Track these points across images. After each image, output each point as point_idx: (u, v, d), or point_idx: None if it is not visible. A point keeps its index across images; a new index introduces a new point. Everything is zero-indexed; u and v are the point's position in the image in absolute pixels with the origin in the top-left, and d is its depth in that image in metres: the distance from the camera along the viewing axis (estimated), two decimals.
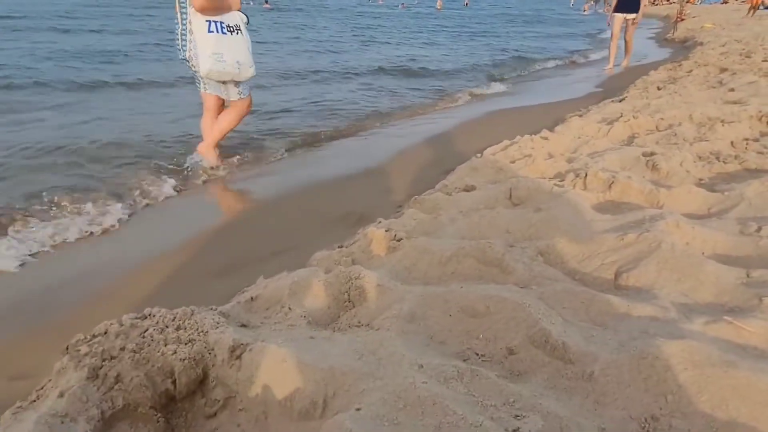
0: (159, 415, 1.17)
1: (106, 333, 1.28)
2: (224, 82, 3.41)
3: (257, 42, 9.13)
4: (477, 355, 1.21)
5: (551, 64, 10.20)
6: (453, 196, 2.35)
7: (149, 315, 1.33)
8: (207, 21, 3.15)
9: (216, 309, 1.43)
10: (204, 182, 3.52)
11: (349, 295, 1.48)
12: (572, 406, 1.00)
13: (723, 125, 3.14)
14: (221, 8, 3.17)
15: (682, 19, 15.80)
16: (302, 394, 1.06)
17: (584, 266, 1.60)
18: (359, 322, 1.37)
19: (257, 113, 5.21)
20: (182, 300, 1.49)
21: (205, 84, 3.41)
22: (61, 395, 1.12)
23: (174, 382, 1.19)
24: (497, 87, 7.61)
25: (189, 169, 3.63)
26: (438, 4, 26.46)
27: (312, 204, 3.19)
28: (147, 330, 1.27)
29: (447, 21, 20.45)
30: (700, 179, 2.38)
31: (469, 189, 2.45)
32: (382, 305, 1.39)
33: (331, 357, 1.12)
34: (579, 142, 3.12)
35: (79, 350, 1.23)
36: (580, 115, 4.26)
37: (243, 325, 1.40)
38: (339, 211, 2.95)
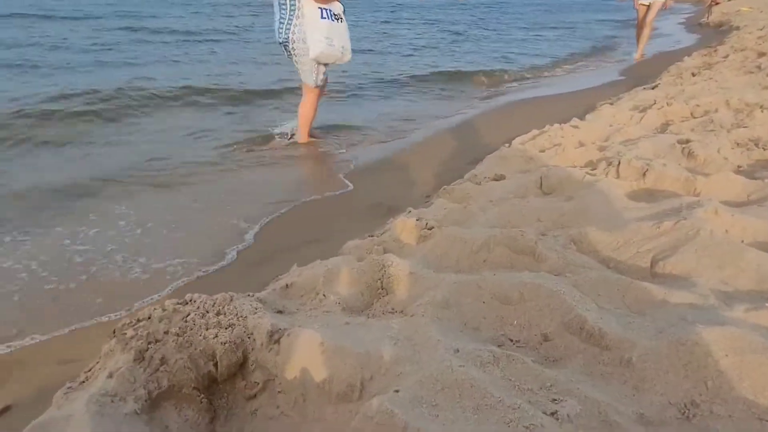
0: (202, 396, 1.21)
1: (149, 317, 1.33)
2: (321, 64, 3.71)
3: None
4: (511, 341, 1.21)
5: (573, 53, 9.96)
6: (482, 186, 2.35)
7: (190, 300, 1.37)
8: (319, 8, 3.50)
9: (253, 295, 1.47)
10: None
11: (381, 283, 1.50)
12: (610, 391, 1.00)
13: (762, 111, 3.04)
14: None
15: (717, 3, 15.25)
16: (340, 377, 1.09)
17: (619, 254, 1.58)
18: (393, 309, 1.39)
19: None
20: (218, 288, 1.54)
21: (298, 66, 3.71)
22: (110, 376, 1.18)
23: (216, 365, 1.23)
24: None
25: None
26: None
27: (340, 196, 3.22)
28: (189, 315, 1.31)
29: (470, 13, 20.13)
30: (739, 166, 2.32)
31: (498, 178, 2.44)
32: (414, 293, 1.40)
33: (366, 342, 1.14)
34: (611, 130, 3.07)
35: (126, 333, 1.28)
36: (611, 103, 4.18)
37: (279, 311, 1.43)
38: (367, 203, 2.97)
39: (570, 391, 0.96)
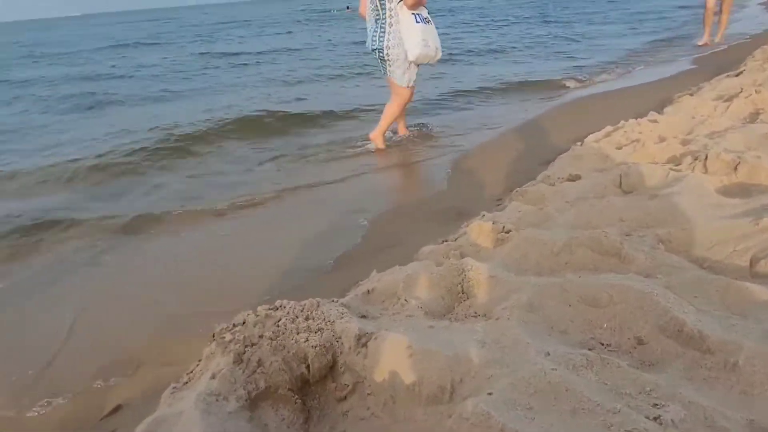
0: (296, 397, 1.27)
1: (244, 322, 1.41)
2: (414, 66, 4.08)
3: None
4: (602, 345, 1.18)
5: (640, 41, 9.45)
6: (557, 187, 2.30)
7: (280, 306, 1.44)
8: (413, 14, 3.88)
9: (337, 301, 1.52)
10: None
11: (462, 287, 1.51)
12: (715, 396, 0.96)
13: None
14: (422, 3, 3.93)
15: None
16: (429, 379, 1.11)
17: (713, 254, 1.50)
18: (475, 313, 1.39)
19: None
20: (300, 295, 1.60)
21: (391, 71, 4.05)
22: (213, 377, 1.26)
23: (307, 367, 1.29)
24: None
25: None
26: None
27: (409, 201, 3.26)
28: (280, 320, 1.38)
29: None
30: None
31: (573, 178, 2.38)
32: (497, 296, 1.40)
33: (454, 345, 1.15)
34: (694, 122, 2.90)
35: (224, 337, 1.37)
36: (692, 94, 3.95)
37: (363, 316, 1.48)
38: (437, 207, 2.98)
39: (672, 395, 0.93)
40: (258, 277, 2.35)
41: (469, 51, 10.14)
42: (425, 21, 3.95)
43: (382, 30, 3.95)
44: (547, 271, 1.55)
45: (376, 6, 3.93)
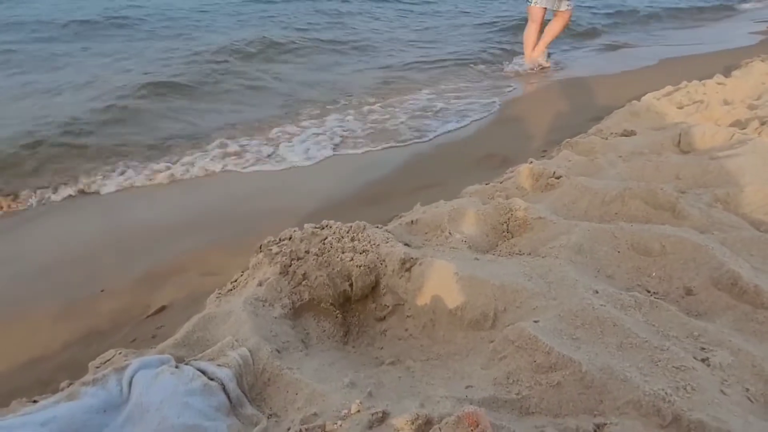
0: (337, 312, 1.32)
1: (291, 238, 1.45)
2: None
3: None
4: (649, 292, 1.17)
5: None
6: (610, 141, 2.22)
7: (327, 225, 1.47)
8: None
9: (382, 227, 1.54)
10: None
11: (507, 226, 1.50)
12: (765, 348, 0.95)
13: None
14: None
15: None
16: (473, 305, 1.13)
17: None
18: (520, 251, 1.39)
19: None
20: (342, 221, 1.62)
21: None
22: (260, 284, 1.31)
23: (351, 285, 1.32)
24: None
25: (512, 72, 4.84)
26: None
27: (451, 145, 3.21)
28: (326, 238, 1.41)
29: None
30: None
31: (628, 134, 2.30)
32: (544, 237, 1.39)
33: (500, 275, 1.16)
34: (763, 88, 2.73)
35: (271, 249, 1.41)
36: (762, 60, 3.70)
37: (406, 244, 1.49)
38: (480, 153, 2.94)
39: (721, 342, 0.93)
40: (295, 206, 2.39)
41: None
42: None
43: None
44: (596, 219, 1.53)
45: None
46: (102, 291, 1.85)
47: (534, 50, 4.88)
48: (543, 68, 4.84)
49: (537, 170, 1.76)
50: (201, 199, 2.57)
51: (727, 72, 3.63)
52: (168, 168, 2.80)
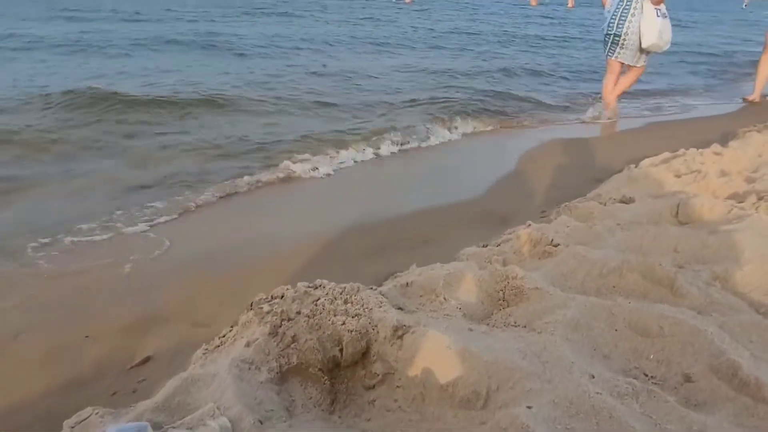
0: (325, 377, 1.27)
1: (283, 296, 1.42)
2: (643, 53, 4.90)
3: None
4: (646, 375, 1.14)
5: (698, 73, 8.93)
6: (609, 207, 2.23)
7: (320, 285, 1.44)
8: (655, 9, 4.66)
9: (376, 289, 1.51)
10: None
11: (504, 294, 1.48)
12: None
13: None
14: (663, 0, 4.70)
15: None
16: (465, 382, 1.09)
17: None
18: (515, 323, 1.36)
19: None
20: (337, 275, 1.60)
21: (621, 53, 4.92)
22: (248, 345, 1.27)
23: (341, 350, 1.29)
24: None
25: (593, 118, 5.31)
26: (570, 3, 24.15)
27: (452, 198, 3.22)
28: (319, 299, 1.38)
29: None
30: None
31: (626, 201, 2.31)
32: (540, 309, 1.37)
33: (494, 350, 1.13)
34: (760, 161, 2.77)
35: (262, 308, 1.38)
36: (759, 131, 3.77)
37: (399, 308, 1.46)
38: (479, 208, 2.94)
39: None
40: (295, 254, 2.37)
41: None
42: (663, 16, 4.67)
43: (623, 18, 4.75)
44: (593, 291, 1.51)
45: None
46: (87, 337, 1.81)
47: (610, 100, 5.32)
48: (609, 118, 5.30)
49: (535, 236, 1.75)
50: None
51: (726, 138, 3.71)
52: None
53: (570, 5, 22.94)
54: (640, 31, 4.70)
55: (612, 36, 4.89)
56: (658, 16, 4.66)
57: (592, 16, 16.81)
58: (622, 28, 4.77)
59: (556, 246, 1.70)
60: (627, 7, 4.72)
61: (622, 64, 5.06)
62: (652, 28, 4.65)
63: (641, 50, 4.85)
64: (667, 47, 4.86)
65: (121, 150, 3.75)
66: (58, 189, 3.04)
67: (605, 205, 2.28)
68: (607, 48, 5.03)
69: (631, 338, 1.22)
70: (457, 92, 5.94)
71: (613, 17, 4.84)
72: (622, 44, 4.84)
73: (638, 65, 5.01)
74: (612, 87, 5.25)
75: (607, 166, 3.63)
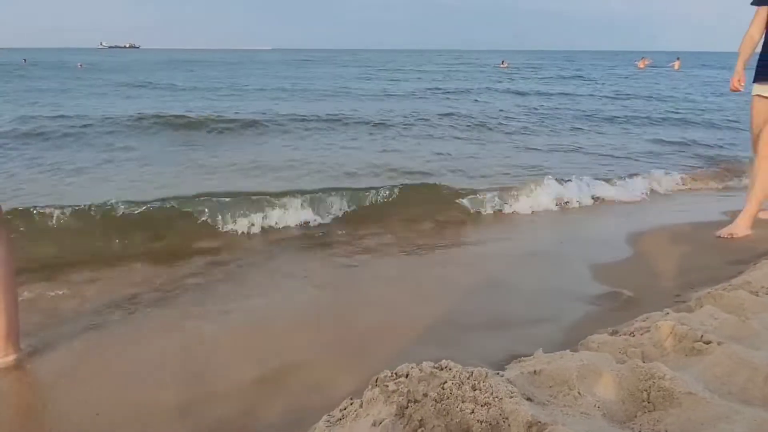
0: None
1: (408, 375, 1.40)
2: None
3: None
4: None
5: None
6: (763, 298, 1.98)
7: (446, 367, 1.41)
8: None
9: (503, 375, 1.44)
10: None
11: (648, 395, 1.34)
12: None
13: None
14: None
15: None
16: None
17: None
18: (666, 431, 1.22)
19: None
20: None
21: None
22: (375, 425, 1.26)
23: None
24: None
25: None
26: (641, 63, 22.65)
27: (565, 273, 3.05)
28: (446, 382, 1.34)
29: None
30: None
31: None
32: (696, 418, 1.21)
33: None
34: None
35: (387, 386, 1.37)
36: None
37: (528, 398, 1.38)
38: (601, 288, 2.75)
39: None
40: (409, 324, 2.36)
41: None
42: None
43: None
44: (759, 401, 1.32)
45: None
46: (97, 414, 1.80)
47: None
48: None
49: (680, 331, 1.59)
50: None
51: None
52: None
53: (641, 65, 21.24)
54: None
55: None
56: None
57: None
58: None
59: (707, 343, 1.52)
60: None
61: None
62: None
63: None
64: None
65: None
66: None
67: (758, 295, 2.03)
68: None
69: None
70: None
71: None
72: None
73: None
74: None
75: (750, 246, 3.27)
